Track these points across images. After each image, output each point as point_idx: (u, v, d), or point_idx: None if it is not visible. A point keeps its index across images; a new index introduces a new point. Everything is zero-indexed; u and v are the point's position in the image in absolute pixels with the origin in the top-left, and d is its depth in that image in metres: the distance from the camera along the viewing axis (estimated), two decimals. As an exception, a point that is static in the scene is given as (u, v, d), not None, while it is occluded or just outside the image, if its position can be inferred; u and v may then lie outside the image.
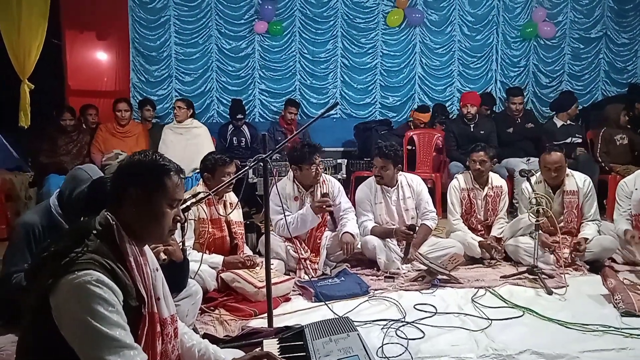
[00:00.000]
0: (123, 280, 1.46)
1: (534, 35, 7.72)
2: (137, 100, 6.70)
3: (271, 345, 2.06)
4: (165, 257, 2.34)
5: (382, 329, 2.78)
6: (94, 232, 1.49)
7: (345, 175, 5.85)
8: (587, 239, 3.84)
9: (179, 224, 2.43)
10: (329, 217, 4.02)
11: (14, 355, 1.52)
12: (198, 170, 4.78)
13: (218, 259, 3.33)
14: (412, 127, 6.60)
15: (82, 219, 1.62)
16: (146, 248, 1.66)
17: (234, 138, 6.28)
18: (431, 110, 6.82)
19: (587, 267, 3.79)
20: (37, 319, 1.40)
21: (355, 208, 4.12)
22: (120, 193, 1.56)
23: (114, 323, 1.37)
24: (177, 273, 2.39)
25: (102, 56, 7.31)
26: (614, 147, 5.69)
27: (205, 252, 3.30)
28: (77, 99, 6.77)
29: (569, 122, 6.00)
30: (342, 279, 3.56)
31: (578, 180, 4.01)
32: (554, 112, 6.23)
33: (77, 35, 7.09)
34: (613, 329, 2.75)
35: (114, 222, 1.52)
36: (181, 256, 2.41)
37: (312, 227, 3.87)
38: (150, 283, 1.59)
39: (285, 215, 3.57)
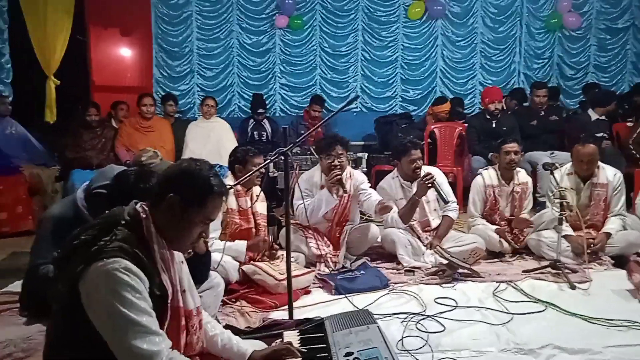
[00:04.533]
0: (149, 268, 1.49)
1: (558, 26, 7.58)
2: (160, 96, 6.79)
3: (292, 337, 2.08)
4: (191, 250, 2.38)
5: (402, 322, 2.79)
6: (123, 222, 1.53)
7: (365, 169, 5.83)
8: (610, 234, 3.77)
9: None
10: (349, 211, 4.01)
11: (42, 344, 1.57)
12: (220, 165, 4.87)
13: (241, 245, 3.36)
14: (433, 120, 6.55)
15: (106, 211, 1.64)
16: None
17: (255, 132, 6.32)
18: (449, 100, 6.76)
19: (612, 261, 3.73)
20: (67, 306, 1.45)
21: None
22: (162, 194, 1.58)
23: (141, 309, 1.41)
24: (199, 265, 2.42)
25: (125, 52, 7.43)
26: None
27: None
28: (102, 94, 6.90)
29: (602, 116, 5.89)
30: (362, 272, 3.57)
31: (609, 174, 3.94)
32: (591, 105, 6.08)
33: (102, 31, 7.21)
34: (638, 324, 2.71)
35: (145, 216, 1.56)
36: (204, 248, 2.44)
37: (332, 220, 3.89)
38: (177, 276, 1.62)
39: (304, 201, 3.60)
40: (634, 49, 7.74)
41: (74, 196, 2.45)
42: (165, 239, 1.60)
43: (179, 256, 1.69)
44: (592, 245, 3.71)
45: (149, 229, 1.55)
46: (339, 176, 3.77)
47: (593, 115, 5.83)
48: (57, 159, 5.64)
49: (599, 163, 3.97)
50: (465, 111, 7.17)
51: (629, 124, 6.17)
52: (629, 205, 4.24)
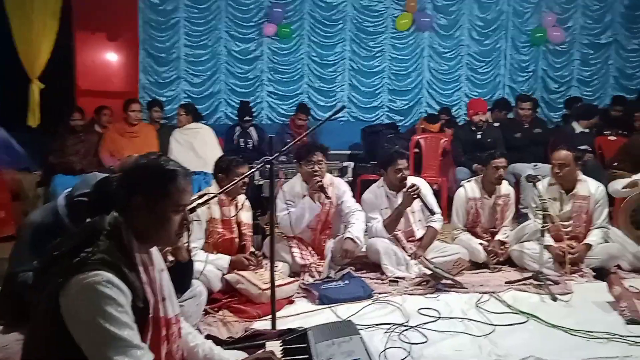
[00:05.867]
0: (131, 281, 1.47)
1: (543, 40, 7.70)
2: (146, 101, 6.74)
3: (274, 347, 2.06)
4: (173, 258, 2.36)
5: (385, 332, 2.78)
6: (104, 232, 1.50)
7: (351, 178, 5.83)
8: (591, 245, 3.82)
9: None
10: (332, 217, 4.01)
11: (19, 353, 1.54)
12: (205, 172, 4.84)
13: (224, 259, 3.35)
14: (420, 130, 6.60)
15: (87, 219, 1.61)
16: (153, 249, 1.67)
17: (241, 140, 6.29)
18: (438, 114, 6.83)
19: (593, 273, 3.77)
20: (46, 318, 1.42)
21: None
22: (126, 199, 1.55)
23: (123, 323, 1.38)
24: (181, 274, 2.40)
25: (111, 57, 7.37)
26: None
27: (213, 253, 3.32)
28: (87, 99, 6.83)
29: (586, 129, 5.97)
30: (347, 282, 3.56)
31: (591, 187, 4.00)
32: (575, 118, 6.16)
33: (88, 36, 7.15)
34: (618, 336, 2.73)
35: (121, 225, 1.54)
36: (186, 257, 2.42)
37: (316, 229, 3.89)
38: (157, 285, 1.60)
39: (288, 212, 3.62)
40: (616, 64, 7.90)
41: (55, 203, 2.41)
42: (149, 241, 1.59)
43: (159, 264, 1.67)
44: (572, 257, 3.75)
45: (129, 238, 1.53)
46: (320, 182, 3.79)
47: (577, 128, 5.92)
48: (40, 163, 5.57)
49: (582, 176, 4.03)
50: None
51: (610, 137, 6.28)
52: (612, 218, 4.30)
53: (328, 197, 3.88)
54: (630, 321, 2.90)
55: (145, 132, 5.93)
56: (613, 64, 7.91)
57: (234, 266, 3.34)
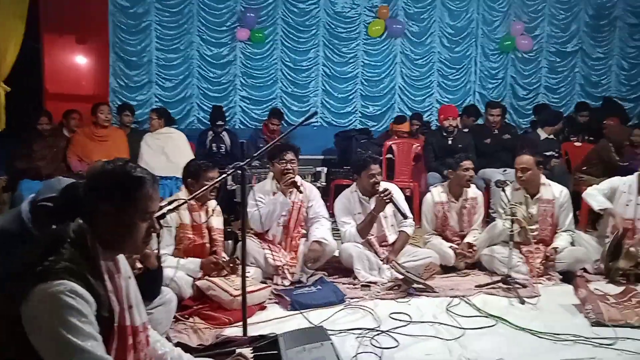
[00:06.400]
0: (97, 290, 1.43)
1: (511, 48, 7.87)
2: (116, 105, 6.63)
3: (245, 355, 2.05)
4: (141, 265, 2.32)
5: (356, 337, 2.80)
6: (69, 240, 1.47)
7: (325, 183, 5.86)
8: (557, 249, 3.91)
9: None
10: (305, 215, 4.03)
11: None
12: (177, 177, 4.79)
13: (194, 263, 3.31)
14: (392, 136, 6.65)
15: (53, 226, 1.57)
16: (120, 256, 1.64)
17: (214, 144, 6.25)
18: (408, 119, 6.90)
19: (560, 277, 3.85)
20: (6, 327, 1.37)
21: (336, 219, 4.14)
22: (91, 206, 1.51)
23: (86, 334, 1.35)
24: (150, 281, 2.37)
25: (81, 60, 7.24)
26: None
27: (183, 258, 3.28)
28: (55, 102, 6.69)
29: (551, 136, 6.12)
30: (319, 287, 3.57)
31: (555, 190, 4.10)
32: (540, 124, 6.31)
33: (56, 38, 7.02)
34: (583, 338, 2.80)
35: (86, 233, 1.50)
36: (156, 263, 2.39)
37: (289, 226, 3.90)
38: (123, 294, 1.56)
39: (258, 209, 3.65)
40: (582, 72, 8.13)
41: (19, 208, 2.35)
42: (115, 248, 1.55)
43: (126, 271, 1.64)
44: (547, 262, 3.85)
45: (94, 245, 1.49)
46: (293, 178, 3.83)
47: (542, 134, 6.06)
48: (6, 169, 5.42)
49: (545, 180, 4.13)
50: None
51: (576, 143, 6.46)
52: (578, 222, 4.42)
53: (300, 192, 3.92)
54: (596, 323, 2.97)
55: (115, 137, 5.83)
56: (579, 72, 8.14)
57: (204, 268, 3.31)
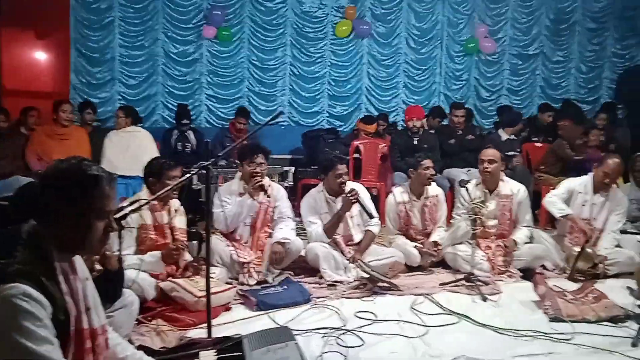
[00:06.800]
0: (52, 292, 1.40)
1: (475, 50, 8.03)
2: (78, 103, 6.46)
3: (208, 357, 2.03)
4: (101, 267, 2.27)
5: (322, 337, 2.80)
6: (22, 241, 1.42)
7: (292, 183, 5.85)
8: (517, 241, 4.03)
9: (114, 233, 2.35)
10: (272, 215, 4.02)
11: None
12: (141, 177, 4.69)
13: (154, 256, 3.24)
14: (358, 135, 6.69)
15: (8, 227, 1.52)
16: (76, 257, 1.60)
17: (179, 143, 6.15)
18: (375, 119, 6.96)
19: (520, 274, 3.95)
20: None
21: (303, 219, 4.14)
22: (46, 205, 1.47)
23: (41, 338, 1.31)
24: (111, 283, 2.31)
25: (40, 56, 7.04)
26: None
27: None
28: (13, 99, 6.49)
29: (512, 136, 6.26)
30: (285, 287, 3.56)
31: (513, 186, 4.22)
32: (501, 125, 6.46)
33: (15, 33, 6.81)
34: (542, 334, 2.88)
35: (41, 233, 1.46)
36: (116, 265, 2.33)
37: (256, 226, 3.89)
38: (80, 296, 1.53)
39: (223, 210, 3.63)
40: (543, 75, 8.36)
41: (-26, 209, 2.27)
42: (71, 249, 1.52)
43: (83, 273, 1.60)
44: (506, 252, 3.97)
45: (49, 247, 1.45)
46: (261, 182, 3.82)
47: (503, 135, 6.20)
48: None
49: (504, 177, 4.25)
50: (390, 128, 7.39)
51: (537, 144, 6.63)
52: (538, 221, 4.54)
53: (268, 196, 3.91)
54: (554, 319, 3.06)
55: (77, 135, 5.67)
56: (540, 75, 8.37)
57: (165, 258, 3.26)
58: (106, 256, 2.21)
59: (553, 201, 4.23)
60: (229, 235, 3.89)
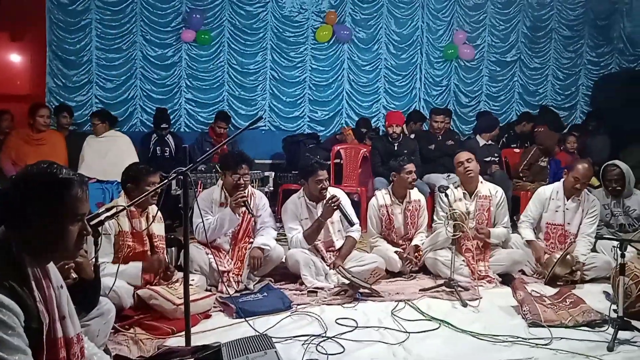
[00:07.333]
0: (24, 300, 1.36)
1: (455, 56, 8.11)
2: (53, 106, 6.34)
3: (186, 366, 1.99)
4: (76, 275, 2.21)
5: (302, 344, 2.78)
6: None
7: (272, 188, 5.82)
8: (491, 231, 4.11)
9: (92, 239, 2.30)
10: (253, 225, 3.98)
11: None
12: (119, 182, 4.61)
13: (135, 266, 3.19)
14: (340, 140, 6.70)
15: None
16: (50, 264, 1.56)
17: (158, 148, 6.08)
18: (356, 124, 6.98)
19: (500, 279, 3.98)
20: None
21: (283, 225, 4.11)
22: (17, 211, 1.43)
23: (14, 347, 1.28)
24: (87, 291, 2.26)
25: (15, 58, 6.88)
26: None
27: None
28: (-15, 102, 6.32)
29: (490, 142, 6.32)
30: (265, 294, 3.53)
31: (490, 188, 4.28)
32: (478, 131, 6.52)
33: (-12, 35, 6.65)
34: (521, 339, 2.90)
35: (11, 239, 1.42)
36: (92, 274, 2.28)
37: (237, 236, 3.84)
38: (54, 304, 1.49)
39: (203, 219, 3.58)
40: (520, 81, 8.47)
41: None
42: (44, 255, 1.48)
43: (57, 281, 1.56)
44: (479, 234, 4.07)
45: (20, 254, 1.41)
46: (245, 198, 3.76)
47: (481, 140, 6.27)
48: None
49: (481, 179, 4.30)
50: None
51: (515, 150, 6.72)
52: (515, 227, 4.59)
53: (252, 214, 3.88)
54: (532, 324, 3.09)
55: (53, 140, 5.56)
56: (517, 81, 8.47)
57: (148, 269, 3.21)
58: (82, 264, 2.15)
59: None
60: (209, 243, 3.84)
